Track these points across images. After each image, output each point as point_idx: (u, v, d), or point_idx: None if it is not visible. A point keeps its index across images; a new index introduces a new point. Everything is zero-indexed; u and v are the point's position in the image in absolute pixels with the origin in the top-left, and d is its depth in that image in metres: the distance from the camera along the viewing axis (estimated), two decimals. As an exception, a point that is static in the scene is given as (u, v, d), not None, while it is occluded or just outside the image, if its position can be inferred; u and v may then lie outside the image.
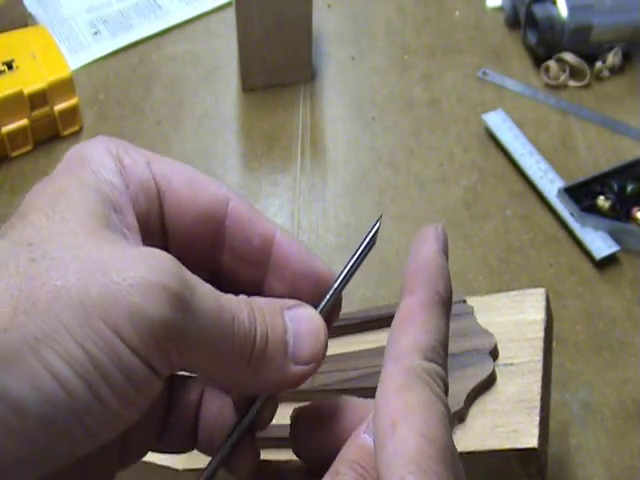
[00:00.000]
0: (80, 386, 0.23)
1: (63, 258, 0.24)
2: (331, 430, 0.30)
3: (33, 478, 0.24)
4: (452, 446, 0.25)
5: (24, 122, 0.73)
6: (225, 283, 0.32)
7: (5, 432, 0.22)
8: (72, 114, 0.76)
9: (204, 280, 0.29)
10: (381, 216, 0.33)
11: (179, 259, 0.29)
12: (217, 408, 0.32)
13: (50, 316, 0.23)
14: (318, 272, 0.31)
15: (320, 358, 0.29)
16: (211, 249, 0.31)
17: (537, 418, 0.39)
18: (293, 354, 0.29)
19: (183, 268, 0.25)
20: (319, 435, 0.30)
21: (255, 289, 0.32)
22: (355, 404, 0.31)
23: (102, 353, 0.23)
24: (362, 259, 0.32)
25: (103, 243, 0.25)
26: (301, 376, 0.29)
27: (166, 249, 0.29)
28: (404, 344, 0.26)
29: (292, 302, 0.30)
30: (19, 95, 0.72)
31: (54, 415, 0.23)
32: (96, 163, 0.28)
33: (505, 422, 0.39)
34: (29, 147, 0.75)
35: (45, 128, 0.75)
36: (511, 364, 0.42)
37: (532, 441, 0.38)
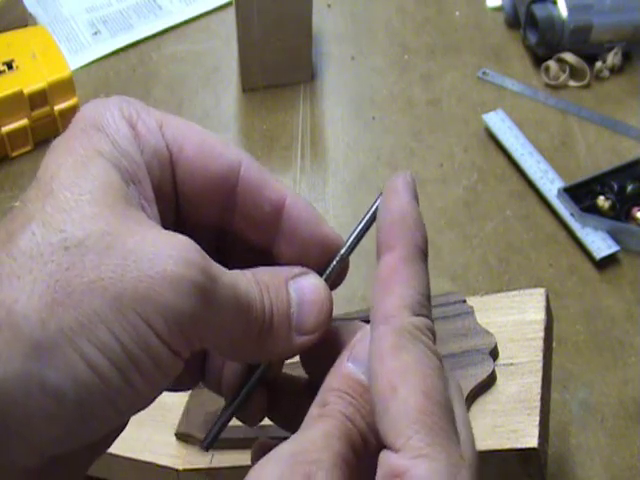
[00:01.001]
0: (113, 373, 0.24)
1: (96, 247, 0.25)
2: (332, 350, 0.30)
3: (65, 451, 0.25)
4: (449, 396, 0.25)
5: (24, 122, 0.73)
6: (235, 244, 0.32)
7: (43, 418, 0.24)
8: (72, 114, 0.74)
9: (214, 243, 0.31)
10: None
11: (190, 221, 0.31)
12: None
13: (85, 307, 0.24)
14: (326, 238, 0.31)
15: (324, 327, 0.30)
16: (222, 212, 0.31)
17: (537, 418, 0.39)
18: (297, 325, 0.29)
19: (207, 257, 0.26)
20: (323, 355, 0.30)
21: (264, 251, 0.32)
22: (354, 326, 0.31)
23: (134, 342, 0.24)
24: (369, 225, 0.32)
25: (132, 226, 0.26)
26: (306, 344, 0.30)
27: (177, 211, 0.31)
28: (391, 303, 0.27)
29: (297, 270, 0.30)
30: (19, 95, 0.72)
31: (89, 400, 0.24)
32: (111, 130, 0.28)
33: (505, 422, 0.39)
34: (29, 147, 0.75)
35: (45, 128, 0.75)
36: (511, 364, 0.42)
37: (532, 441, 0.38)
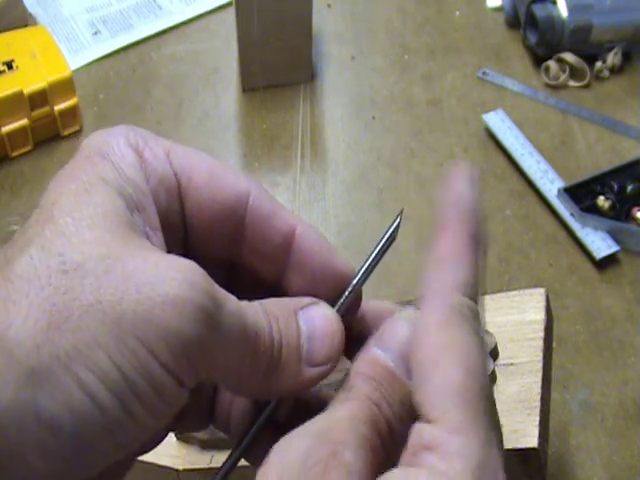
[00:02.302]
0: (112, 403, 0.23)
1: (95, 270, 0.24)
2: (364, 331, 0.30)
3: None
4: (489, 384, 0.25)
5: (24, 122, 0.73)
6: (243, 276, 0.32)
7: (37, 450, 0.22)
8: (72, 114, 0.76)
9: (222, 276, 0.29)
10: (402, 211, 0.31)
11: (198, 253, 0.30)
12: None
13: (83, 332, 0.23)
14: (338, 269, 0.31)
15: (336, 358, 0.29)
16: (231, 244, 0.31)
17: (537, 418, 0.39)
18: (307, 357, 0.28)
19: (212, 282, 0.25)
20: (354, 337, 0.30)
21: (274, 283, 0.31)
22: (385, 308, 0.31)
23: (134, 370, 0.23)
24: (382, 255, 0.31)
25: (133, 250, 0.25)
26: (316, 378, 0.29)
27: (185, 243, 0.30)
28: (445, 281, 0.26)
29: (306, 301, 0.30)
30: (19, 95, 0.72)
31: (86, 431, 0.23)
32: (117, 158, 0.27)
33: (505, 422, 0.39)
34: (29, 147, 0.75)
35: (45, 128, 0.75)
36: (511, 364, 0.42)
37: (532, 441, 0.38)
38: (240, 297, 0.27)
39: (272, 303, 0.29)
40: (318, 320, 0.29)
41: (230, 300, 0.26)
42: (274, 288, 0.31)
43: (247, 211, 0.30)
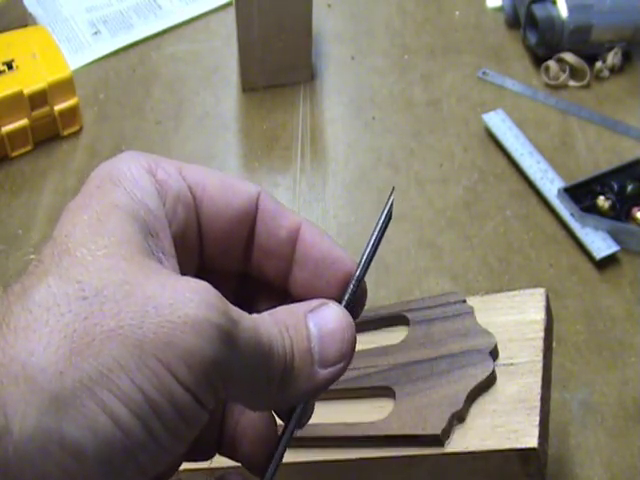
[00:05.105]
0: (136, 425, 0.23)
1: (114, 295, 0.24)
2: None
3: None
4: None
5: (24, 122, 0.73)
6: (253, 286, 0.32)
7: (62, 477, 0.22)
8: (72, 114, 0.76)
9: (234, 289, 0.30)
10: (393, 189, 0.32)
11: (212, 268, 0.31)
12: (238, 411, 0.32)
13: (105, 356, 0.23)
14: (339, 259, 0.31)
15: (349, 356, 0.29)
16: (243, 248, 0.31)
17: (537, 418, 0.39)
18: (320, 360, 0.29)
19: (226, 301, 0.26)
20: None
21: (280, 282, 0.32)
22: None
23: (156, 391, 0.23)
24: (378, 244, 0.31)
25: (150, 275, 0.25)
26: (331, 378, 0.29)
27: (199, 260, 0.31)
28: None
29: (315, 303, 0.30)
30: (19, 95, 0.72)
31: (110, 455, 0.23)
32: (129, 183, 0.28)
33: (505, 422, 0.39)
34: (29, 147, 0.75)
35: (45, 128, 0.75)
36: (511, 364, 0.42)
37: (532, 441, 0.38)
38: (251, 305, 0.28)
39: (281, 311, 0.29)
40: (328, 319, 0.29)
41: (244, 317, 0.26)
42: (280, 287, 0.32)
43: (258, 212, 0.31)
